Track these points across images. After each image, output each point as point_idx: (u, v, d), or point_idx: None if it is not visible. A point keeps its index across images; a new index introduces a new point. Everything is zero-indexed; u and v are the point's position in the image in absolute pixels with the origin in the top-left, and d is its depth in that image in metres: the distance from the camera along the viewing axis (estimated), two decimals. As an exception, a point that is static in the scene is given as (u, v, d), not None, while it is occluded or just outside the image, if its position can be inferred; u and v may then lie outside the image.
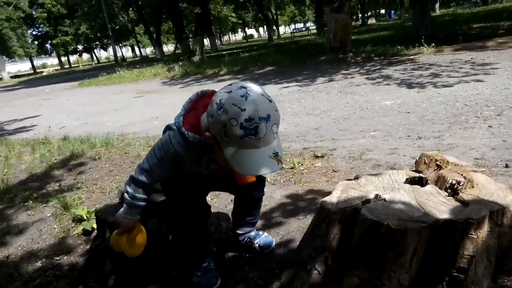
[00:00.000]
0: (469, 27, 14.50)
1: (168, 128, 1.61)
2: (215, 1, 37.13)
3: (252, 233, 2.09)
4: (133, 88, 12.32)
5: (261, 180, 1.89)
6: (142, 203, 1.67)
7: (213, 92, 1.61)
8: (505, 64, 6.94)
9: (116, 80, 15.75)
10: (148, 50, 61.80)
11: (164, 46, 41.95)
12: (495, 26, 13.41)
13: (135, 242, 1.76)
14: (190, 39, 26.38)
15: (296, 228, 2.26)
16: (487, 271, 1.53)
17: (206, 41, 36.61)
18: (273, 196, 2.77)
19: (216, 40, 41.67)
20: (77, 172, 3.91)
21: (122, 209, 1.69)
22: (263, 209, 2.59)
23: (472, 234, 1.47)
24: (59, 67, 53.13)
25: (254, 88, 1.34)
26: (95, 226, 2.32)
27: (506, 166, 2.75)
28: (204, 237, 1.89)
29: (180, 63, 16.84)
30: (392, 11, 51.65)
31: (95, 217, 2.22)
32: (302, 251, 1.72)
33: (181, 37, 27.19)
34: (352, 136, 4.12)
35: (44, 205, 3.13)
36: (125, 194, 1.66)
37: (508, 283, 1.55)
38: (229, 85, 1.37)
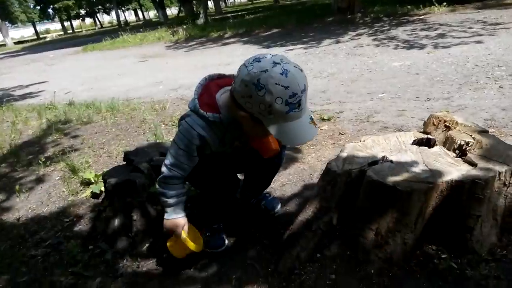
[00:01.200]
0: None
1: (183, 118, 1.57)
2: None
3: (260, 196, 2.10)
4: (137, 53, 12.15)
5: (282, 148, 1.88)
6: (184, 197, 1.66)
7: (220, 76, 1.63)
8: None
9: (120, 45, 15.52)
10: (151, 14, 60.55)
11: (167, 9, 41.03)
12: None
13: (195, 234, 1.73)
14: (194, 2, 25.72)
15: (301, 190, 2.27)
16: (493, 230, 1.53)
17: (211, 4, 35.75)
18: (279, 159, 2.76)
19: (221, 3, 40.62)
20: (83, 136, 3.92)
21: (166, 214, 1.65)
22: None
23: (479, 195, 1.46)
24: (62, 33, 52.44)
25: (286, 61, 1.31)
26: (103, 189, 2.35)
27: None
28: (226, 205, 1.89)
29: (184, 26, 16.47)
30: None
31: (102, 180, 2.24)
32: (307, 212, 1.73)
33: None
34: (359, 99, 4.06)
35: (52, 169, 3.16)
36: (162, 199, 1.63)
37: (513, 242, 1.55)
38: (257, 61, 1.31)
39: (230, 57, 8.29)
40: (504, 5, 8.95)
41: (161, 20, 29.52)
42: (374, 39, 7.69)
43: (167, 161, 1.58)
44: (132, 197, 2.07)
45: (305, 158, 2.73)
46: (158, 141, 3.29)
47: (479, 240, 1.50)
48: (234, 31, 13.19)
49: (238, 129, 1.52)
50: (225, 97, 1.50)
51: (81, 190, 2.68)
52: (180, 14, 33.48)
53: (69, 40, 27.70)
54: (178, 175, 1.59)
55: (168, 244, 1.70)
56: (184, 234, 1.63)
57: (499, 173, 1.47)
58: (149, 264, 1.85)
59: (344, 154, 1.80)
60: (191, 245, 1.63)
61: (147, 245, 1.97)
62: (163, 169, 1.59)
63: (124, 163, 2.42)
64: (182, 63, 8.88)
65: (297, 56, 7.08)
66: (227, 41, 11.93)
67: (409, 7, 10.47)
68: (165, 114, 4.45)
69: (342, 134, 3.09)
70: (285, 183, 2.40)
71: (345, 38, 8.41)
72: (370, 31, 8.82)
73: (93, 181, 2.66)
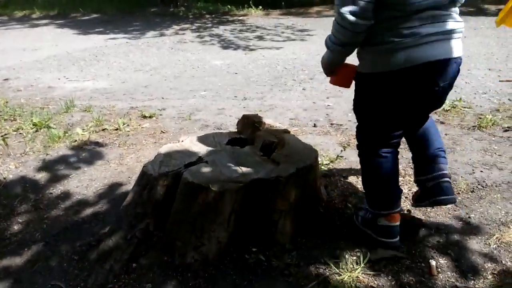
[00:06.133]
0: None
1: None
2: None
3: None
4: None
5: None
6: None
7: None
8: (319, 31, 7.80)
9: None
10: None
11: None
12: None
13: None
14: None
15: (118, 196, 2.13)
16: (294, 223, 1.71)
17: (13, -24, 30.60)
18: (94, 162, 2.54)
19: (27, -24, 35.12)
20: None
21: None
22: (81, 176, 2.36)
23: (281, 190, 1.62)
24: None
25: None
26: None
27: (314, 125, 3.13)
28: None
29: (-23, -1, 13.65)
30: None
31: None
32: (122, 220, 1.62)
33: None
34: (182, 96, 4.07)
35: None
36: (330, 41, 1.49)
37: (310, 232, 1.77)
38: None
39: (38, 42, 7.23)
40: (307, 14, 10.31)
41: None
42: (197, 36, 7.84)
43: (341, 7, 1.35)
44: None
45: (124, 159, 2.58)
46: None
47: (282, 232, 1.67)
48: (44, 11, 11.58)
49: None
50: None
51: None
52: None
53: None
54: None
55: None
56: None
57: (297, 170, 1.66)
58: None
59: (161, 156, 1.76)
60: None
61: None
62: (337, 19, 1.38)
63: None
64: (-26, 45, 7.33)
65: (118, 47, 6.67)
66: (35, 22, 10.38)
67: (229, 6, 11.05)
68: None
69: (164, 132, 3.04)
70: (99, 188, 2.21)
71: (168, 32, 8.33)
72: (193, 27, 8.97)
73: None
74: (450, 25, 1.42)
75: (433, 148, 1.71)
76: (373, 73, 1.50)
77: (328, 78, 1.72)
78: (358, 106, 1.67)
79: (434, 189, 1.67)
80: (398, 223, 1.65)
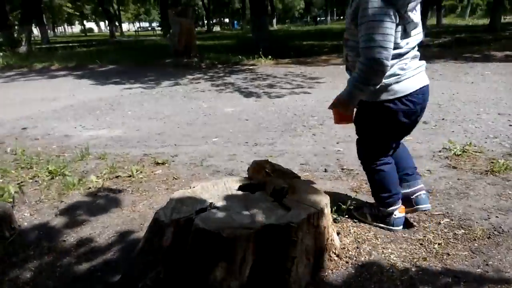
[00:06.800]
0: (300, 43, 16.33)
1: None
2: (46, -13, 33.10)
3: None
4: None
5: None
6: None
7: None
8: (328, 78, 8.01)
9: None
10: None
11: (-20, 31, 35.28)
12: (321, 44, 15.41)
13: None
14: (16, 28, 22.83)
15: (130, 243, 2.13)
16: (307, 270, 1.69)
17: (36, 31, 32.37)
18: (107, 208, 2.57)
19: (49, 31, 37.20)
20: None
21: (347, 94, 1.83)
22: (94, 223, 2.38)
23: (293, 237, 1.61)
24: None
25: None
26: None
27: (325, 170, 3.14)
28: None
29: (1, 53, 14.41)
30: (235, 21, 54.54)
31: None
32: (133, 268, 1.62)
33: (4, 24, 23.28)
34: (194, 142, 4.15)
35: None
36: (362, 82, 1.74)
37: (324, 279, 1.74)
38: None
39: (56, 92, 7.53)
40: (315, 63, 10.62)
41: (-30, 43, 25.23)
42: (209, 84, 8.09)
43: (377, 45, 1.64)
44: None
45: (136, 205, 2.60)
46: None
47: (296, 281, 1.64)
48: (63, 63, 12.14)
49: None
50: None
51: None
52: (-3, 39, 29.25)
53: None
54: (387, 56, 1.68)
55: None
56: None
57: (308, 215, 1.66)
58: None
59: (173, 202, 1.78)
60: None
61: None
62: (377, 55, 1.64)
63: None
64: (-4, 95, 7.66)
65: (133, 96, 6.91)
66: (54, 73, 10.86)
67: (240, 57, 11.46)
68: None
69: (176, 178, 3.08)
70: (112, 235, 2.22)
71: (182, 81, 8.62)
72: (206, 76, 9.28)
73: None
74: (421, 60, 1.91)
75: (408, 165, 2.17)
76: (380, 101, 1.86)
77: (333, 119, 2.07)
78: (364, 129, 2.06)
79: (416, 200, 2.10)
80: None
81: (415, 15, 1.75)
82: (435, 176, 2.85)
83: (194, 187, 1.96)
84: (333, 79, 7.88)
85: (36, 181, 3.08)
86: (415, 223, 2.18)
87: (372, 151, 2.06)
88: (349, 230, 2.16)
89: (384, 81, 1.76)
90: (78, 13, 50.17)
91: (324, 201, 1.80)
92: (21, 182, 3.05)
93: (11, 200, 2.67)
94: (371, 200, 2.29)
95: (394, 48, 1.69)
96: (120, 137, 4.44)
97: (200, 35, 23.95)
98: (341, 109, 1.92)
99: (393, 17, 1.64)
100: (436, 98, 5.50)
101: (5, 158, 3.72)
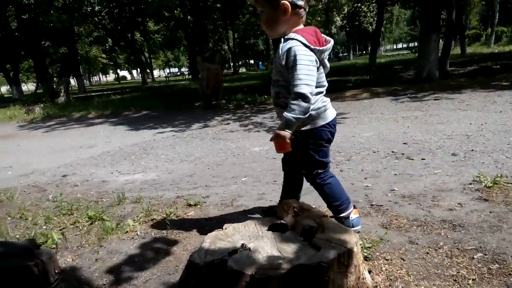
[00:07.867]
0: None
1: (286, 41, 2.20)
2: (83, 41, 35.40)
3: None
4: (-19, 132, 10.75)
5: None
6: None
7: None
8: (353, 114, 8.07)
9: (-41, 122, 13.56)
10: (4, 89, 55.03)
11: (23, 85, 37.89)
12: (345, 80, 15.58)
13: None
14: (55, 80, 24.43)
15: (165, 286, 2.21)
16: (338, 309, 1.70)
17: (73, 81, 34.33)
18: (143, 252, 2.67)
19: (85, 81, 39.41)
20: None
21: (285, 125, 2.23)
22: (131, 266, 2.48)
23: (324, 276, 1.64)
24: None
25: None
26: None
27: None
28: None
29: (42, 104, 15.39)
30: (260, 62, 55.99)
31: None
32: (171, 310, 1.69)
33: (44, 76, 24.99)
34: (224, 183, 4.26)
35: None
36: (299, 117, 2.17)
37: (355, 316, 1.74)
38: None
39: (93, 139, 7.95)
40: (341, 97, 10.73)
41: (15, 96, 27.06)
42: (237, 125, 8.32)
43: (299, 82, 2.12)
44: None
45: (171, 248, 2.70)
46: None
47: (327, 320, 1.66)
48: (99, 111, 12.82)
49: None
50: None
51: None
52: (38, 91, 31.23)
53: None
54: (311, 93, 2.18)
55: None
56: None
57: (339, 255, 1.70)
58: None
59: (206, 245, 1.86)
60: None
61: None
62: (297, 91, 2.12)
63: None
64: (38, 145, 8.15)
65: (165, 140, 7.19)
66: (91, 121, 11.47)
67: (266, 96, 11.75)
68: (12, 205, 3.96)
69: (208, 219, 3.17)
70: (148, 278, 2.31)
71: (211, 123, 8.91)
72: (234, 117, 9.55)
73: None
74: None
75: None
76: (318, 126, 2.37)
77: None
78: (306, 153, 2.44)
79: None
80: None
81: (327, 61, 2.35)
82: (467, 209, 2.81)
83: (225, 228, 2.04)
84: (358, 114, 7.92)
85: (77, 226, 3.25)
86: (447, 259, 2.15)
87: (316, 169, 2.48)
88: (381, 268, 2.16)
89: (317, 111, 2.32)
90: (112, 63, 53.12)
91: (354, 240, 1.83)
92: (63, 228, 3.23)
93: (55, 246, 2.83)
94: (404, 237, 2.29)
95: (317, 86, 2.23)
96: (154, 180, 4.62)
97: (227, 77, 24.78)
98: (280, 139, 2.26)
99: (315, 62, 2.17)
100: (464, 129, 5.45)
101: (47, 205, 3.95)
